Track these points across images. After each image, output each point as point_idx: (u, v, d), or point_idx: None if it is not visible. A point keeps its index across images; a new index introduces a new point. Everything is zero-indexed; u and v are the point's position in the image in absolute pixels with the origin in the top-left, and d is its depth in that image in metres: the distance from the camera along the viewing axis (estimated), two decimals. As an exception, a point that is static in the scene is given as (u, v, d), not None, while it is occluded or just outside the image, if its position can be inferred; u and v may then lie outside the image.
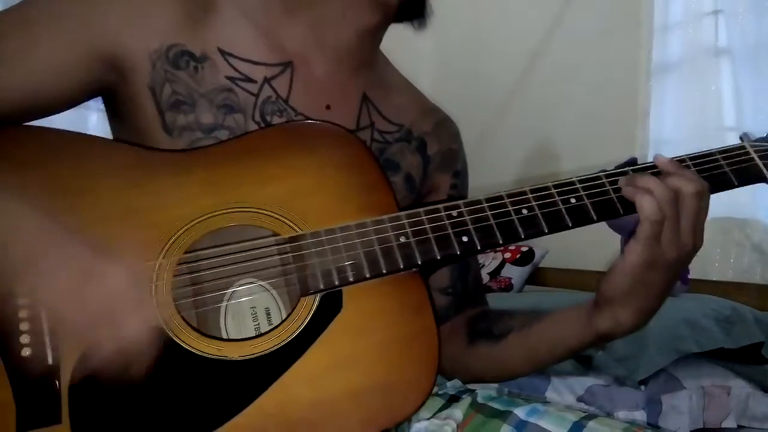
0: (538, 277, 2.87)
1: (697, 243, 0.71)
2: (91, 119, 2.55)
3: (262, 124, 0.76)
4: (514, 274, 2.75)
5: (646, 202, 0.68)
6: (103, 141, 0.73)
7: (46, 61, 0.70)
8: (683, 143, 2.44)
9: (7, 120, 0.69)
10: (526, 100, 3.06)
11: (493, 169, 2.85)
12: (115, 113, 0.79)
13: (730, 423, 1.80)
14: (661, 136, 2.52)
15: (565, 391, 1.85)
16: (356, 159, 0.74)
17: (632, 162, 0.75)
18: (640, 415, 1.75)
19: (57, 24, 0.71)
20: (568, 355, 0.80)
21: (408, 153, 0.87)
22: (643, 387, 1.79)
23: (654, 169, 0.73)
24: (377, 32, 0.83)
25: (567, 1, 2.89)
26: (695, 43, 2.43)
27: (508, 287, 2.72)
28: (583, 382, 1.84)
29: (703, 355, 1.85)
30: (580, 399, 1.82)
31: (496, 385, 1.39)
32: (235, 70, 0.76)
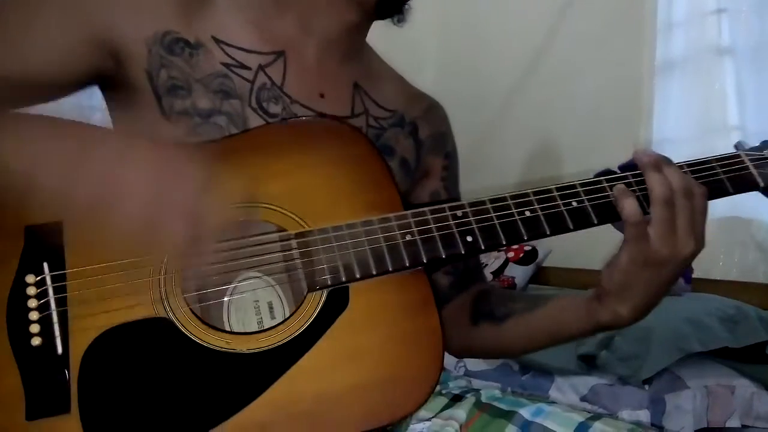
0: (541, 277, 2.86)
1: (697, 244, 0.71)
2: (94, 118, 2.55)
3: (259, 111, 0.78)
4: (518, 273, 2.75)
5: (627, 205, 0.70)
6: (109, 132, 0.72)
7: (40, 46, 0.71)
8: (686, 142, 2.43)
9: (4, 104, 0.69)
10: (529, 99, 3.05)
11: (494, 168, 2.84)
12: (113, 101, 0.80)
13: (734, 422, 1.80)
14: (664, 134, 2.51)
15: (568, 390, 1.84)
16: (362, 156, 0.75)
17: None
18: (644, 415, 1.75)
19: (52, 8, 0.72)
20: (569, 341, 0.83)
21: (402, 138, 0.89)
22: (646, 386, 1.78)
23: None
24: (361, 26, 0.85)
25: (569, 0, 2.89)
26: (699, 42, 2.42)
27: (511, 286, 2.71)
28: (587, 382, 1.83)
29: (707, 354, 1.84)
30: (583, 398, 1.81)
31: (499, 384, 1.39)
32: (230, 57, 0.78)
